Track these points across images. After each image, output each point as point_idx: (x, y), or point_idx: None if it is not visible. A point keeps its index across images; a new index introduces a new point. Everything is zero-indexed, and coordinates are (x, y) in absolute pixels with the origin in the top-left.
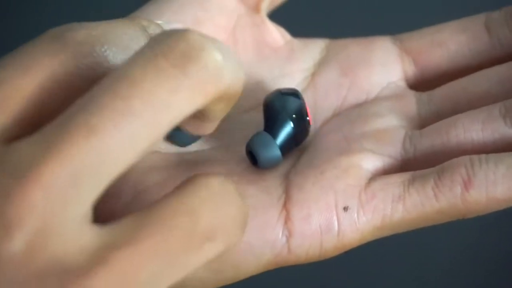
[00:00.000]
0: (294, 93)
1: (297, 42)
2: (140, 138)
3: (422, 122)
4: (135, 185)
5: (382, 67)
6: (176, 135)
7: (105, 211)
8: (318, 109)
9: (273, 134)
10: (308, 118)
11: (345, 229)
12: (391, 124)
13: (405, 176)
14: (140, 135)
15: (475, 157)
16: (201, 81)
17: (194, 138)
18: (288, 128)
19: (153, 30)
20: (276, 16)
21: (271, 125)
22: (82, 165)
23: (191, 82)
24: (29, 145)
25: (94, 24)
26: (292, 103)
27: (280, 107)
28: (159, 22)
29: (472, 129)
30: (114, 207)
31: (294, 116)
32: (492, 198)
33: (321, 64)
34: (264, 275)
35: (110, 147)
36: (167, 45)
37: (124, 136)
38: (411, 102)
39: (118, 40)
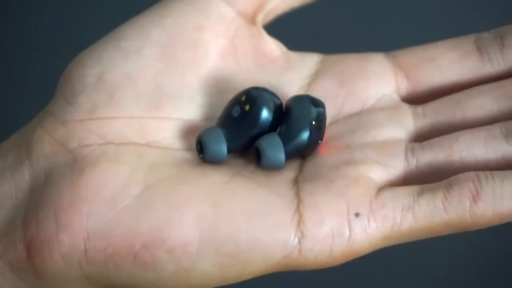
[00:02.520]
0: (319, 104)
1: (293, 54)
2: None
3: (418, 134)
4: (144, 179)
5: (377, 80)
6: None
7: None
8: None
9: (285, 138)
10: (322, 133)
11: (355, 235)
12: (391, 134)
13: (414, 188)
14: None
15: (481, 173)
16: None
17: (221, 157)
18: (304, 136)
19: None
20: (270, 30)
21: (287, 128)
22: None
23: None
24: None
25: None
26: (315, 113)
27: (303, 114)
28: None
29: (475, 146)
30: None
31: (312, 126)
32: (498, 212)
33: (317, 75)
34: (264, 278)
35: None
36: None
37: None
38: (407, 113)
39: None
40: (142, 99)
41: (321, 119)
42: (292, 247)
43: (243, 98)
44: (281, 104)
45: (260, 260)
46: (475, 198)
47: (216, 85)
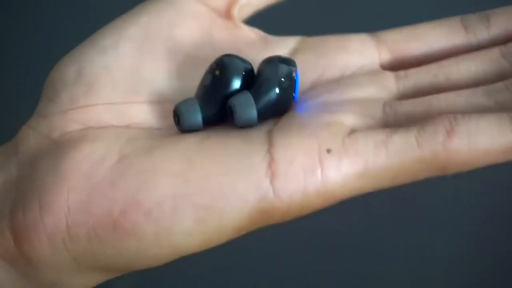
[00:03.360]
0: (290, 62)
1: (271, 37)
2: None
3: (401, 95)
4: (120, 151)
5: (359, 52)
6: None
7: None
8: None
9: (256, 95)
10: (294, 91)
11: (328, 172)
12: (371, 93)
13: (388, 128)
14: None
15: (458, 113)
16: None
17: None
18: (273, 92)
19: None
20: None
21: (257, 86)
22: None
23: None
24: None
25: None
26: (284, 70)
27: (272, 71)
28: None
29: (455, 100)
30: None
31: (281, 83)
32: (473, 148)
33: (297, 51)
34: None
35: None
36: None
37: None
38: (389, 76)
39: None
40: (120, 86)
41: (291, 75)
42: (266, 188)
43: (214, 65)
44: (251, 68)
45: (236, 207)
46: (449, 133)
47: (193, 71)
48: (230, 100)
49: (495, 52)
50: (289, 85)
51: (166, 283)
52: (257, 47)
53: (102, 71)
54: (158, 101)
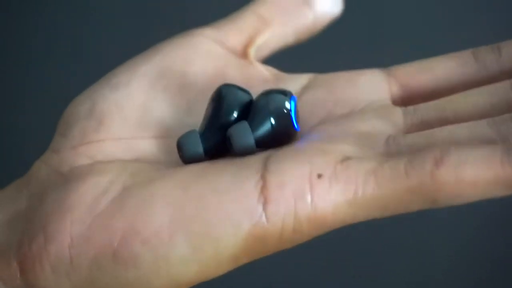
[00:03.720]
0: (283, 93)
1: (284, 74)
2: None
3: (408, 130)
4: (123, 183)
5: (368, 87)
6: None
7: None
8: (304, 120)
9: (253, 124)
10: (293, 119)
11: (318, 198)
12: (376, 126)
13: (382, 157)
14: None
15: (453, 144)
16: None
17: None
18: (268, 122)
19: None
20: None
21: (252, 115)
22: None
23: None
24: None
25: None
26: (277, 100)
27: (264, 102)
28: None
29: (458, 131)
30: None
31: (275, 113)
32: (460, 180)
33: (308, 87)
34: (263, 276)
35: None
36: None
37: None
38: (397, 111)
39: None
40: (129, 122)
41: (286, 106)
42: (259, 214)
43: (214, 95)
44: (250, 99)
45: (230, 234)
46: (437, 163)
47: (204, 105)
48: (228, 130)
49: (503, 85)
50: (284, 113)
51: None
52: (268, 84)
53: (113, 107)
54: (167, 136)
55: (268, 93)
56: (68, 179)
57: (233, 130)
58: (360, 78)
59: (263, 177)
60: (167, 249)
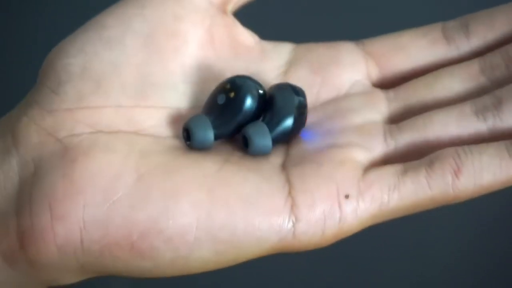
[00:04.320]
0: (297, 93)
1: (266, 43)
2: None
3: (393, 116)
4: (137, 167)
5: (349, 67)
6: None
7: None
8: None
9: (271, 125)
10: (305, 119)
11: (346, 216)
12: (367, 118)
13: (398, 167)
14: None
15: (459, 148)
16: None
17: (208, 143)
18: (288, 123)
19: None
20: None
21: (271, 116)
22: None
23: None
24: None
25: None
26: (297, 102)
27: (281, 104)
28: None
29: (449, 124)
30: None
31: (296, 113)
32: (479, 185)
33: (291, 64)
34: (263, 276)
35: None
36: None
37: None
38: (381, 97)
39: None
40: (129, 89)
41: (303, 106)
42: (287, 231)
43: (228, 86)
44: (264, 92)
45: (255, 245)
46: (457, 173)
47: (197, 74)
48: (245, 129)
49: (474, 68)
50: (301, 115)
51: (166, 282)
52: (255, 55)
53: (110, 68)
54: (164, 105)
55: (283, 93)
56: (70, 149)
57: (251, 131)
58: (339, 54)
59: (291, 196)
60: (190, 251)
